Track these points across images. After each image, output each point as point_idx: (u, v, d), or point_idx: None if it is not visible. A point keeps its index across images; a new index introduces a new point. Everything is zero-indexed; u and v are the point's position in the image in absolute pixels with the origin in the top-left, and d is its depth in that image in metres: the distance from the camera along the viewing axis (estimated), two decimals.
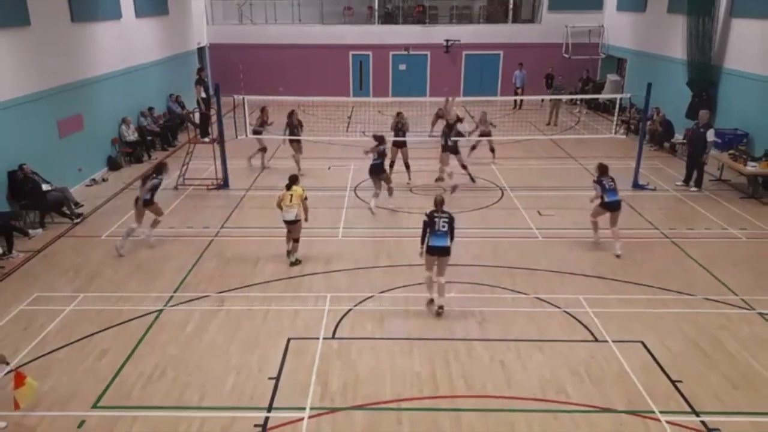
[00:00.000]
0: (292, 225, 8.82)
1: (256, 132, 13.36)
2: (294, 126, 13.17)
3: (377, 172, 11.10)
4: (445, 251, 7.43)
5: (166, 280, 8.50)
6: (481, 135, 13.93)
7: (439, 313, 7.54)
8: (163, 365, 6.54)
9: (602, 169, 9.34)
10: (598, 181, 9.29)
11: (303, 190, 8.79)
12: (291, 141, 13.23)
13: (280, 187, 12.45)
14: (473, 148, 14.09)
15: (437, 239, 7.39)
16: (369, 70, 23.23)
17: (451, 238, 7.44)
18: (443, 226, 7.38)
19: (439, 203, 7.52)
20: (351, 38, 22.77)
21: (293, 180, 8.87)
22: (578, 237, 10.00)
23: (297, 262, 8.94)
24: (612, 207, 9.19)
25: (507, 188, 12.59)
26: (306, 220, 8.86)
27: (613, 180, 9.30)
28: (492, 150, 14.16)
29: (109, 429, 5.60)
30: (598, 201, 9.32)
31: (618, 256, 9.15)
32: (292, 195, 8.70)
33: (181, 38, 19.64)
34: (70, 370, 6.46)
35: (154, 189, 9.53)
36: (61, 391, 6.11)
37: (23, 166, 10.35)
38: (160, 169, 9.81)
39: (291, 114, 13.21)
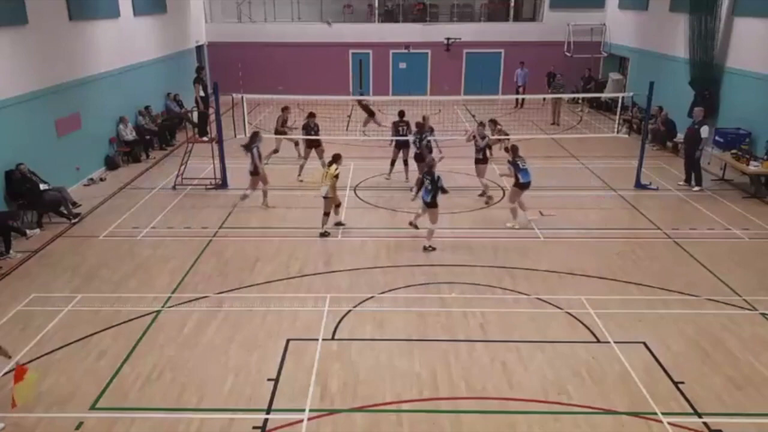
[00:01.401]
0: (325, 200, 9.72)
1: (279, 132, 13.29)
2: (311, 129, 12.69)
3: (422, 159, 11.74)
4: (429, 204, 9.39)
5: (164, 281, 8.45)
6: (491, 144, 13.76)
7: (426, 249, 9.34)
8: (162, 366, 6.50)
9: (514, 150, 10.08)
10: (513, 162, 9.95)
11: (336, 170, 9.62)
12: (309, 146, 12.80)
13: (278, 186, 12.48)
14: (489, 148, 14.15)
15: (424, 195, 9.48)
16: (369, 68, 23.17)
17: (442, 191, 9.41)
18: (429, 186, 9.36)
19: (428, 166, 9.58)
20: (351, 36, 22.70)
21: (335, 158, 9.76)
22: (580, 237, 9.95)
23: (341, 224, 10.17)
24: (526, 187, 9.99)
25: (508, 188, 12.50)
26: (334, 198, 9.81)
27: (524, 161, 10.03)
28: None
29: (107, 430, 5.56)
30: (512, 180, 10.16)
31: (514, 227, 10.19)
32: (327, 173, 9.61)
33: (180, 36, 19.58)
34: (68, 371, 6.41)
35: (256, 157, 10.89)
36: (59, 392, 6.07)
37: (20, 166, 10.30)
38: (253, 138, 11.06)
39: (310, 116, 12.76)
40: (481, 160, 11.51)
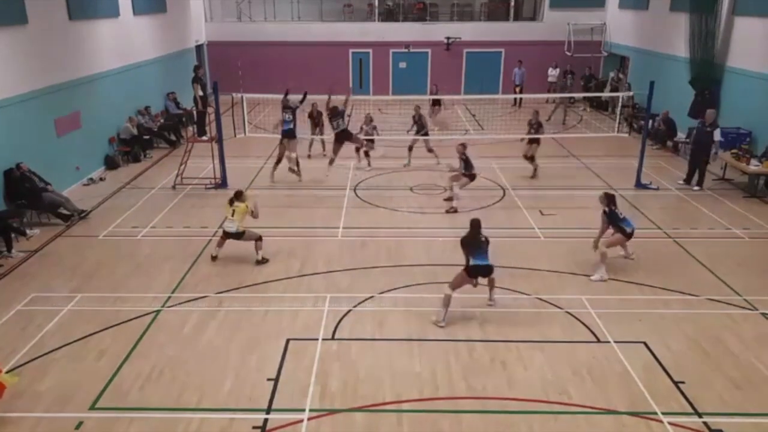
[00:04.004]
0: (234, 237, 8.79)
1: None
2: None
3: None
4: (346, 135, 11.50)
5: (164, 281, 8.44)
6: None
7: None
8: (161, 366, 6.49)
9: (611, 199, 8.63)
10: (609, 213, 8.55)
11: (246, 206, 8.78)
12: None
13: (278, 186, 12.50)
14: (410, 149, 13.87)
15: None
16: (369, 68, 23.16)
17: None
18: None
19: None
20: (351, 36, 22.69)
21: (237, 195, 8.86)
22: (580, 237, 9.92)
23: (263, 261, 8.88)
24: (631, 236, 8.59)
25: (508, 187, 12.53)
26: (256, 217, 8.93)
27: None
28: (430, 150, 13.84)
29: (107, 430, 5.56)
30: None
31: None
32: (234, 210, 8.72)
33: (179, 36, 19.57)
34: (68, 371, 6.41)
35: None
36: (58, 392, 6.06)
37: (20, 165, 10.29)
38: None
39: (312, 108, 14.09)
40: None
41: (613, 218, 8.51)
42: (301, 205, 11.45)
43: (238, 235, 8.81)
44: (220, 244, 9.04)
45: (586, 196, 12.03)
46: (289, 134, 11.93)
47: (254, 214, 8.91)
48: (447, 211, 11.07)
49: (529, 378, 6.30)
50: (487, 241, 7.40)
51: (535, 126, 12.94)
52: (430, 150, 13.81)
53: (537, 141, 13.05)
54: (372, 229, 10.29)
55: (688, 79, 15.32)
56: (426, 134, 13.79)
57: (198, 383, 6.21)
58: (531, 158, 13.09)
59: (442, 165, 12.93)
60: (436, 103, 17.89)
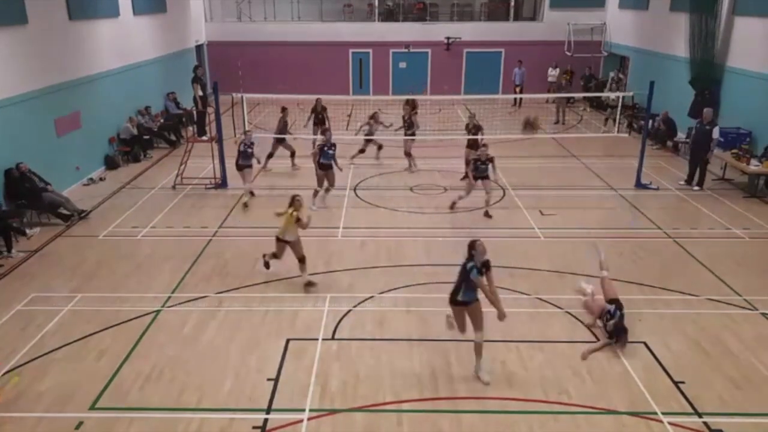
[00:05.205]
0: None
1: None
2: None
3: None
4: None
5: (164, 281, 8.44)
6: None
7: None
8: (161, 366, 6.49)
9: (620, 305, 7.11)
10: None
11: (289, 213, 7.91)
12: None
13: (277, 186, 12.47)
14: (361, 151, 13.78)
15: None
16: (369, 68, 23.16)
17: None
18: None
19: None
20: (351, 36, 22.70)
21: (290, 202, 8.06)
22: (580, 237, 9.94)
23: (310, 284, 8.15)
24: None
25: (509, 187, 12.52)
26: (304, 227, 8.02)
27: None
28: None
29: (107, 430, 5.56)
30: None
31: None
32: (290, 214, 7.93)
33: (179, 36, 19.57)
34: (68, 371, 6.41)
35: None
36: (59, 392, 6.06)
37: (20, 165, 10.29)
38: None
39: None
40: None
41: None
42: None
43: (287, 242, 8.01)
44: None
45: (586, 196, 12.06)
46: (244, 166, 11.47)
47: (302, 224, 7.92)
48: (486, 215, 10.86)
49: (529, 378, 6.30)
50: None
51: (473, 130, 12.37)
52: (408, 153, 13.32)
53: (475, 147, 12.07)
54: (372, 229, 10.29)
55: (688, 79, 15.32)
56: (413, 134, 13.34)
57: (198, 383, 6.21)
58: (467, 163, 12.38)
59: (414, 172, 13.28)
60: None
